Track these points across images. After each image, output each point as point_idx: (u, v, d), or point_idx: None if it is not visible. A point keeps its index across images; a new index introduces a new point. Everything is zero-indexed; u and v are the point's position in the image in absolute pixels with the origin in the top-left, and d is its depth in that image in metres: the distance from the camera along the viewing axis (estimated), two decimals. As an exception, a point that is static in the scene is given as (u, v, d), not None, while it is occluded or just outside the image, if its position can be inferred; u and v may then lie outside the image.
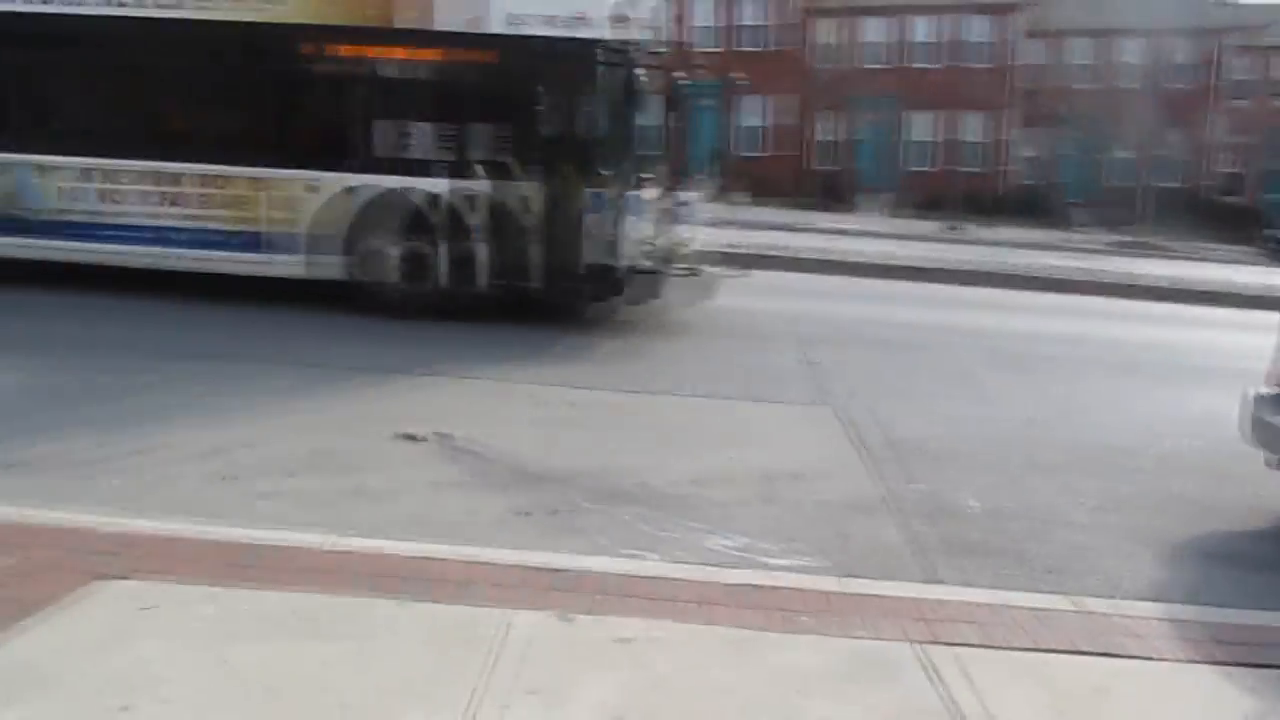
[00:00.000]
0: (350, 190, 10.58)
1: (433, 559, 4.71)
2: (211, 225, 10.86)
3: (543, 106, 10.59)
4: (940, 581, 5.22)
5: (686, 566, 4.92)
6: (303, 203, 10.71)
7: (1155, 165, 35.59)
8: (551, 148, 10.50)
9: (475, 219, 10.47)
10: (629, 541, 5.36)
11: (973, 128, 38.65)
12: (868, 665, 4.09)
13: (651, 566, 4.92)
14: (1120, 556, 5.89)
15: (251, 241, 10.84)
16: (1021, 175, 38.87)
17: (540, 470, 6.42)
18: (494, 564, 4.69)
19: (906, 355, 11.10)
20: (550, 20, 10.13)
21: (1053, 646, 4.44)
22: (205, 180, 10.81)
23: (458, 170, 10.47)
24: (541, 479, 6.28)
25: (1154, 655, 4.48)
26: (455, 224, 10.51)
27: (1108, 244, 28.96)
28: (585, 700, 3.60)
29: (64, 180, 10.97)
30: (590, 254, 10.49)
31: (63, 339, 9.11)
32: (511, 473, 6.36)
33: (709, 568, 4.93)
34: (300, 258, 10.79)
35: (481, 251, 10.52)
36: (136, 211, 10.90)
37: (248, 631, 3.93)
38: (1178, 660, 4.46)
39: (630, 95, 10.61)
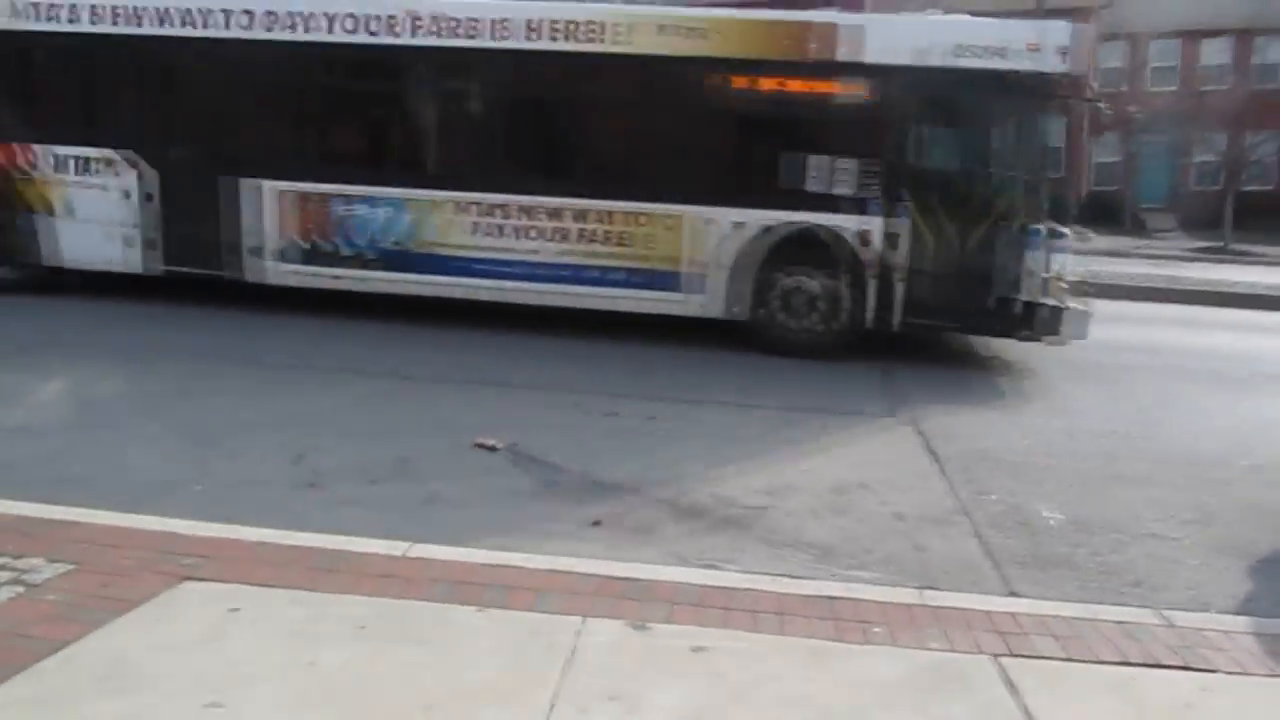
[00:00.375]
0: (769, 229, 10.41)
1: (510, 567, 4.78)
2: (614, 263, 10.66)
3: (961, 140, 10.66)
4: (1018, 595, 5.14)
5: (762, 577, 4.92)
6: (718, 240, 10.51)
7: (1241, 169, 34.50)
8: (966, 182, 10.40)
9: (894, 255, 10.23)
10: (704, 551, 5.39)
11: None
12: (944, 678, 4.05)
13: (725, 577, 4.92)
14: (1208, 570, 5.74)
15: (662, 279, 10.65)
16: (1094, 181, 38.00)
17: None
18: (570, 572, 4.76)
19: (980, 366, 10.96)
20: (980, 51, 9.92)
21: (1137, 660, 4.35)
22: (604, 216, 10.63)
23: (872, 206, 10.25)
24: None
25: (1243, 670, 4.37)
26: (873, 260, 10.29)
27: (1188, 250, 28.19)
28: (661, 706, 3.63)
29: (455, 215, 10.89)
30: (1001, 289, 10.20)
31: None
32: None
33: (785, 579, 4.92)
34: (704, 296, 10.63)
35: (899, 289, 10.30)
36: (520, 247, 10.80)
37: (333, 634, 4.04)
38: (1269, 675, 4.35)
39: (1045, 127, 10.51)
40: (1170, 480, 7.21)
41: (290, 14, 10.85)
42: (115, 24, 11.16)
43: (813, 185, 10.22)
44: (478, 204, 10.81)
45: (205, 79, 11.32)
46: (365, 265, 11.11)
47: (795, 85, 10.29)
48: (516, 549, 5.02)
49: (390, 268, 11.05)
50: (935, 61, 9.83)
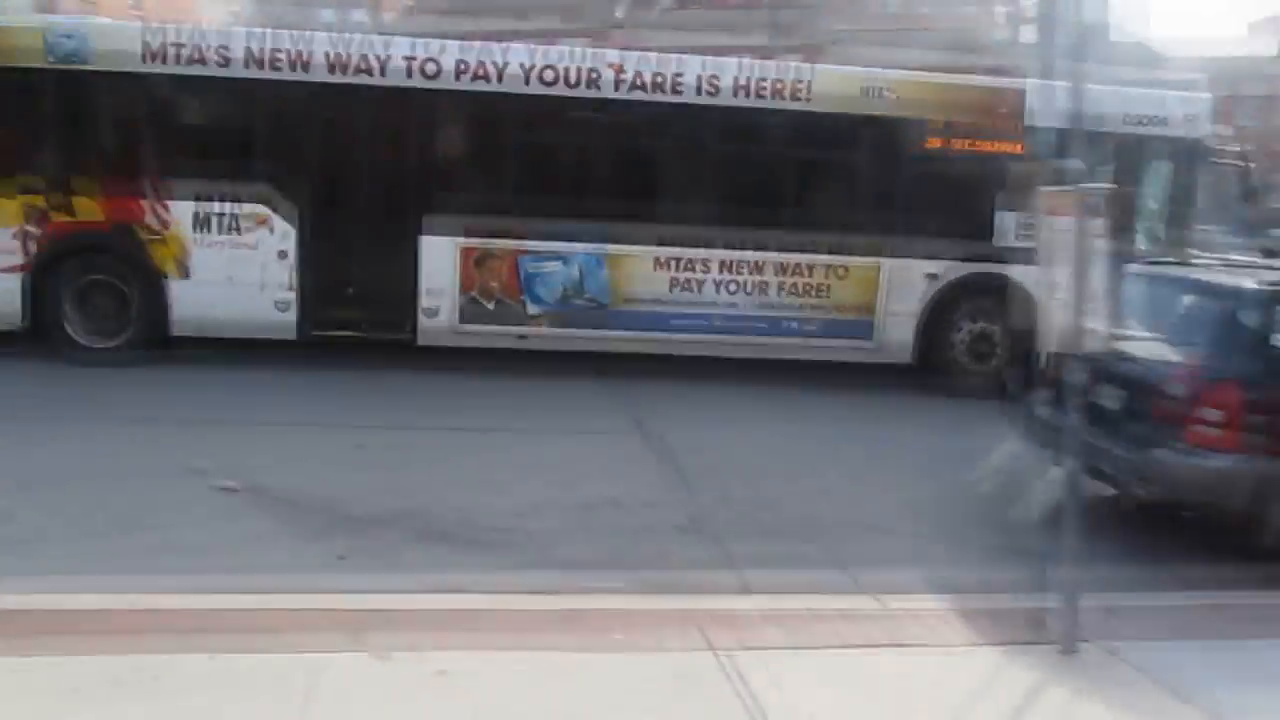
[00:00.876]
0: (960, 279, 10.86)
1: (250, 610, 4.63)
2: (812, 314, 10.79)
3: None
4: (753, 592, 5.44)
5: (507, 596, 4.99)
6: (914, 289, 10.83)
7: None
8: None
9: None
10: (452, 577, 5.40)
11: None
12: (682, 678, 4.26)
13: (471, 600, 4.96)
14: (921, 554, 6.29)
15: (856, 328, 10.86)
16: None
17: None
18: (306, 609, 4.66)
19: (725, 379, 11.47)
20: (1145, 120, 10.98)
21: (857, 643, 4.73)
22: (804, 269, 10.76)
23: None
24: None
25: (949, 644, 4.84)
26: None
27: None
28: (402, 735, 3.63)
29: (654, 270, 10.59)
30: None
31: None
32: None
33: (529, 595, 5.01)
34: (896, 343, 10.92)
35: None
36: (720, 300, 10.70)
37: (41, 700, 3.77)
38: (969, 645, 4.84)
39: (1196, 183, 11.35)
40: (895, 475, 7.86)
41: (481, 63, 10.15)
42: (277, 70, 9.94)
43: (998, 238, 10.82)
44: (677, 259, 10.58)
45: (376, 128, 10.38)
46: (554, 323, 10.62)
47: (985, 146, 10.88)
48: (255, 591, 4.86)
49: (582, 325, 10.65)
50: (1108, 128, 10.43)
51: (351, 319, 10.51)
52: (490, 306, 10.54)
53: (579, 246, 10.54)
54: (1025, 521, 6.10)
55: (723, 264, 10.74)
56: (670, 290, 10.69)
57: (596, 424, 9.00)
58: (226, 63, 9.91)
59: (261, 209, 10.12)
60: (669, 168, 10.99)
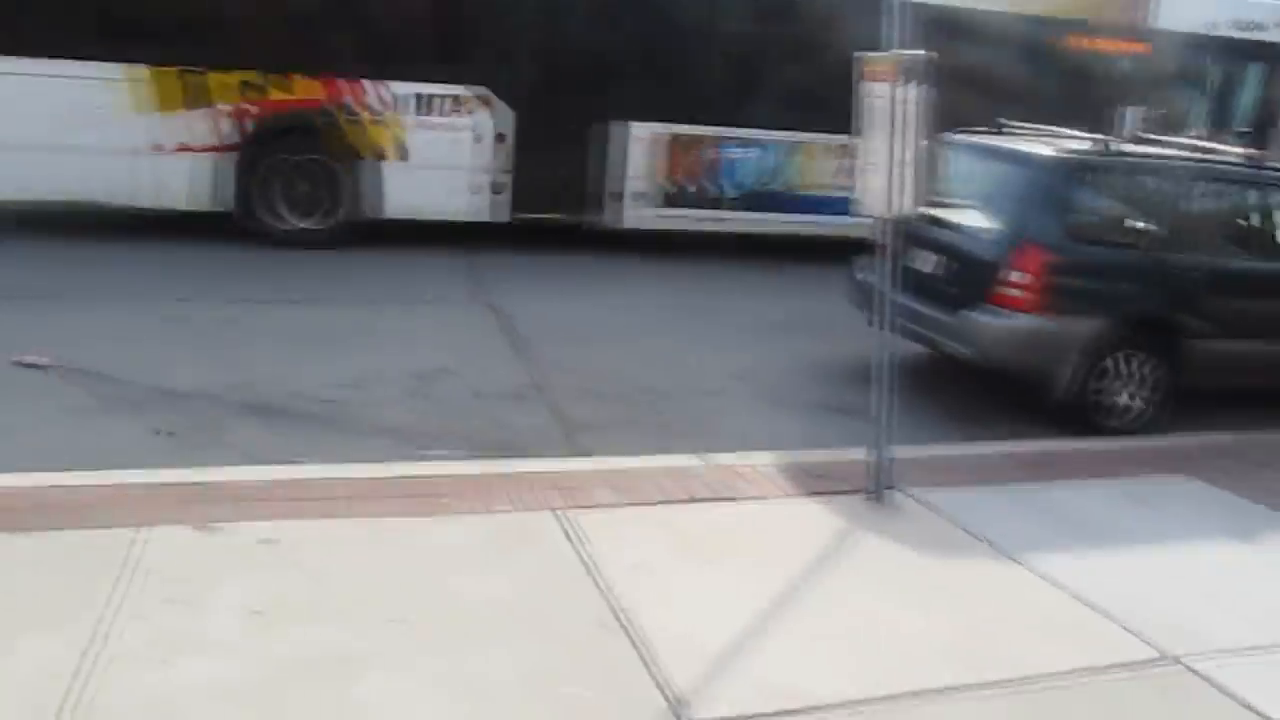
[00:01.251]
0: None
1: (60, 486, 4.47)
2: None
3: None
4: (583, 454, 5.58)
5: (335, 466, 4.97)
6: None
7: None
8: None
9: None
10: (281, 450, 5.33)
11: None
12: (511, 537, 4.37)
13: (298, 470, 4.92)
14: (749, 415, 6.56)
15: None
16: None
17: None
18: (128, 484, 4.54)
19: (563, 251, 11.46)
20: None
21: (680, 498, 4.94)
22: None
23: None
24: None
25: (767, 495, 5.10)
26: None
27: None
28: (225, 602, 3.62)
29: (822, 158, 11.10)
30: None
31: None
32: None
33: (358, 464, 5.00)
34: None
35: None
36: None
37: None
38: (785, 496, 5.12)
39: None
40: (737, 341, 8.09)
41: None
42: None
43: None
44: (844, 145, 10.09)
45: (591, 18, 10.44)
46: (729, 207, 11.11)
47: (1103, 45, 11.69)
48: (73, 468, 4.68)
49: (754, 208, 11.12)
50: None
51: (544, 202, 10.64)
52: (672, 191, 11.05)
53: (753, 134, 11.07)
54: (847, 381, 6.43)
55: None
56: (834, 177, 11.03)
57: (437, 295, 8.91)
58: None
59: (484, 90, 10.28)
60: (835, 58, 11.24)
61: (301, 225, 10.19)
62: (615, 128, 10.73)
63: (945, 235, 6.89)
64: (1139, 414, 6.72)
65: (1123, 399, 6.68)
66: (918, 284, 6.81)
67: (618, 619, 3.76)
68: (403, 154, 10.21)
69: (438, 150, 10.24)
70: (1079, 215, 6.75)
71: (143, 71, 9.55)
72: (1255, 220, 7.36)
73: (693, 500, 4.91)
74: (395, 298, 8.71)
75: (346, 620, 3.57)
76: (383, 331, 7.65)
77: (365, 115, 10.10)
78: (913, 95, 4.62)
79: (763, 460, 5.54)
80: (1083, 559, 4.61)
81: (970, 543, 4.73)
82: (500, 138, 10.41)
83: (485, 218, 10.51)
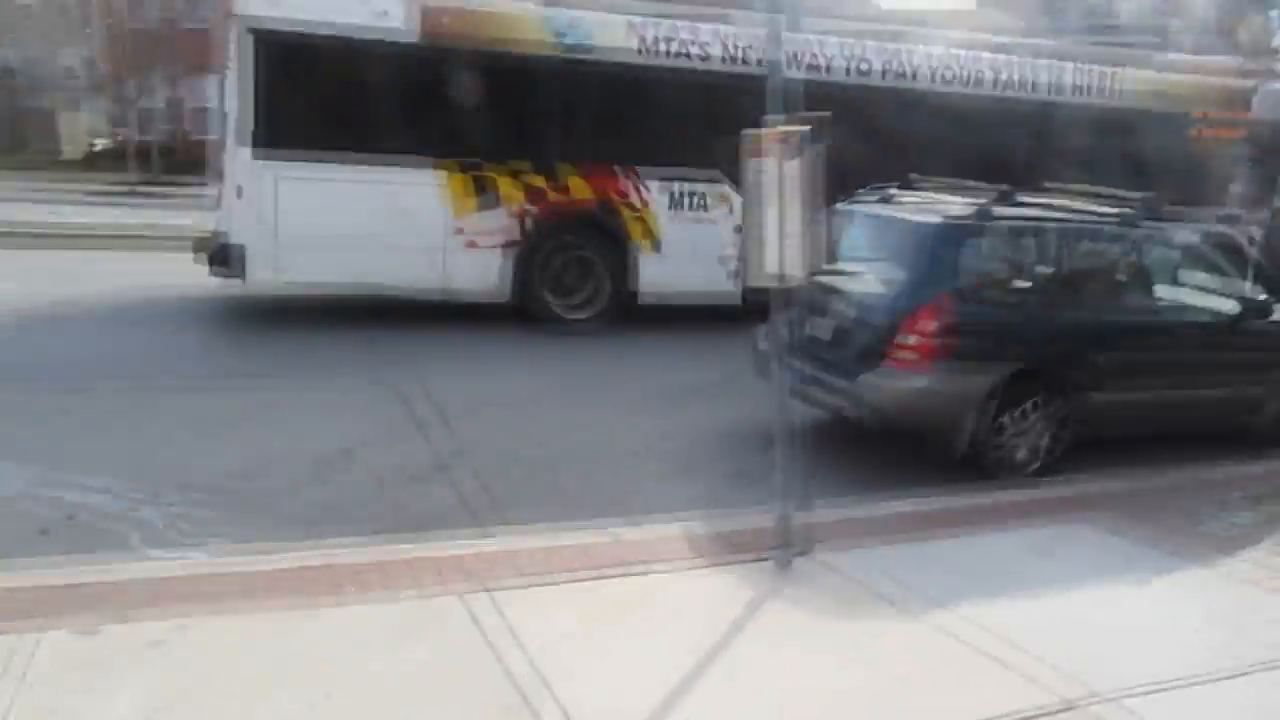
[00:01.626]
0: None
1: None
2: None
3: None
4: (491, 534, 5.49)
5: (230, 559, 4.80)
6: None
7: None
8: None
9: None
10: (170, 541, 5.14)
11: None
12: (414, 623, 4.26)
13: (190, 565, 4.74)
14: (661, 484, 6.54)
15: None
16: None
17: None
18: (12, 588, 4.32)
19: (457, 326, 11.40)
20: None
21: (589, 574, 4.88)
22: None
23: None
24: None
25: (677, 566, 5.07)
26: None
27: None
28: (111, 712, 3.44)
29: None
30: None
31: None
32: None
33: (255, 556, 4.85)
34: None
35: None
36: None
37: None
38: (696, 566, 5.09)
39: None
40: (651, 409, 8.12)
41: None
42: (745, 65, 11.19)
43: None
44: None
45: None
46: None
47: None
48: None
49: None
50: None
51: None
52: None
53: None
54: (759, 447, 6.45)
55: None
56: None
57: (340, 373, 8.79)
58: (706, 58, 11.42)
59: (725, 188, 11.36)
60: None
61: (572, 315, 11.31)
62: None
63: (840, 302, 7.04)
64: (1037, 464, 6.90)
65: (1020, 451, 6.85)
66: (816, 350, 6.96)
67: (527, 702, 3.68)
68: (657, 245, 11.54)
69: (688, 240, 11.54)
70: (967, 276, 6.96)
71: (449, 175, 10.69)
72: (1136, 272, 7.67)
73: (602, 575, 4.86)
74: (295, 379, 8.55)
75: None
76: (284, 414, 7.48)
77: (630, 212, 11.42)
78: (797, 167, 4.73)
79: (673, 530, 5.52)
80: (989, 610, 4.67)
81: (879, 601, 4.76)
82: (738, 229, 10.88)
83: (724, 301, 11.35)
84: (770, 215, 4.87)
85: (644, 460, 7.05)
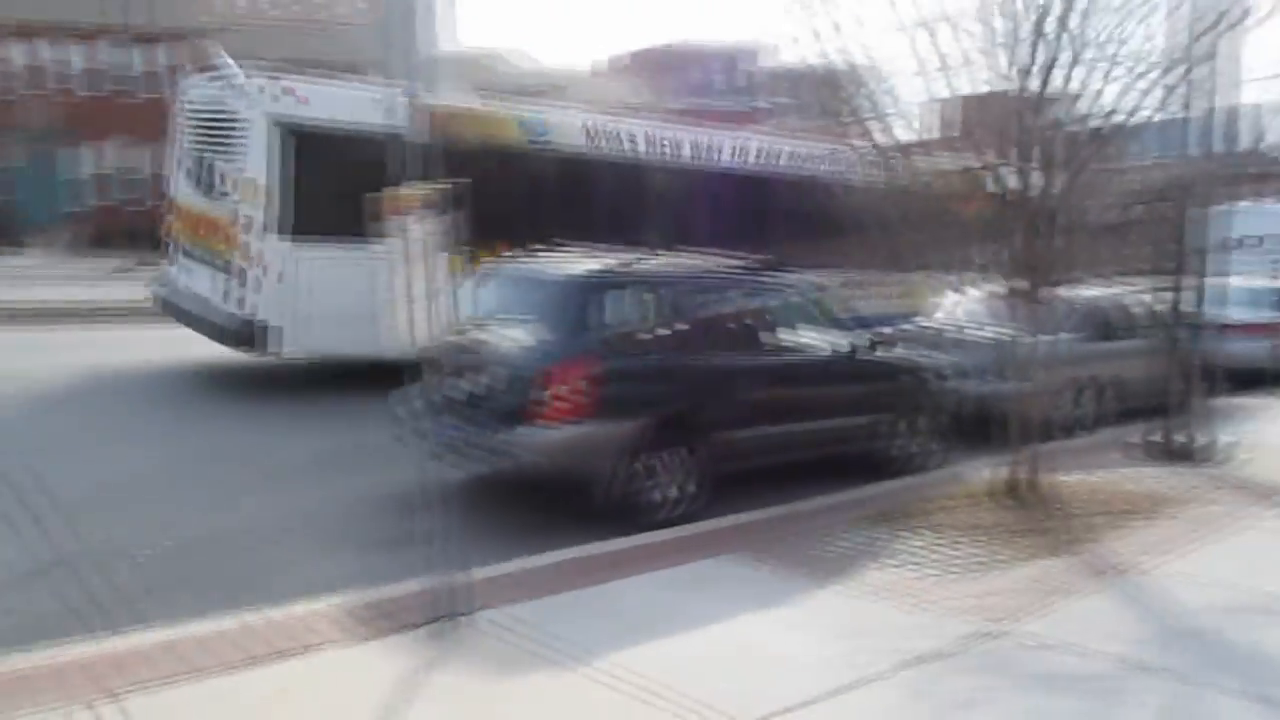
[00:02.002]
0: None
1: None
2: None
3: None
4: (122, 632, 5.00)
5: None
6: None
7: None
8: None
9: None
10: None
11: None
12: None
13: None
14: (313, 559, 6.29)
15: None
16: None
17: None
18: None
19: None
20: None
21: (238, 662, 4.58)
22: None
23: None
24: None
25: (332, 643, 4.88)
26: None
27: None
28: None
29: None
30: None
31: None
32: None
33: None
34: None
35: None
36: None
37: None
38: (353, 641, 4.93)
39: None
40: (293, 481, 7.79)
41: None
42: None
43: None
44: None
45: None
46: None
47: None
48: None
49: None
50: None
51: None
52: None
53: None
54: (412, 512, 6.34)
55: None
56: None
57: None
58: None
59: None
60: None
61: None
62: None
63: (484, 358, 7.14)
64: (682, 504, 7.31)
65: (667, 492, 7.23)
66: (467, 407, 6.99)
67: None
68: None
69: None
70: (605, 328, 7.30)
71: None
72: (754, 319, 8.38)
73: (252, 662, 4.58)
74: None
75: None
76: None
77: None
78: (428, 227, 4.77)
79: (327, 606, 5.31)
80: (646, 651, 4.87)
81: (539, 655, 4.82)
82: None
83: None
84: (407, 276, 4.86)
85: (294, 534, 6.76)
